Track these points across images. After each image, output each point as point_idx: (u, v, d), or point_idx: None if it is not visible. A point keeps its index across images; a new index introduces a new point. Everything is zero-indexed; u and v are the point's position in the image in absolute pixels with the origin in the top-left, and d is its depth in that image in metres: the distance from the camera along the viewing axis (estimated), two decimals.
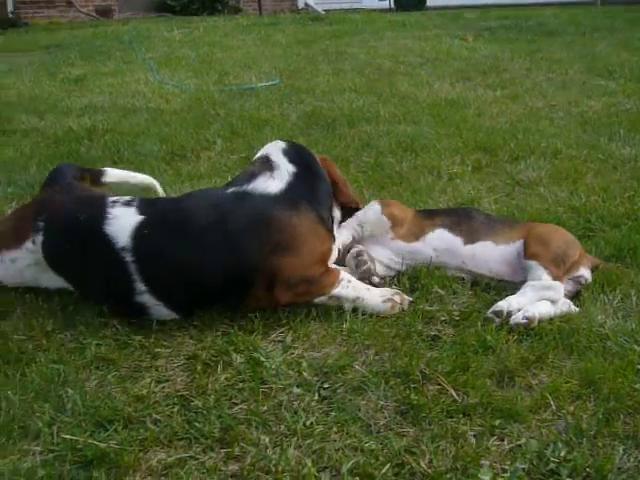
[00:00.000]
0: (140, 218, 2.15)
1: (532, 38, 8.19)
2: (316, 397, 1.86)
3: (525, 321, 2.07)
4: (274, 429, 1.75)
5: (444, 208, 2.90)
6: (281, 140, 2.47)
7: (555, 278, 2.21)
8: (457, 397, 1.82)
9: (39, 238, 2.21)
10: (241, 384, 1.94)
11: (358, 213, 2.49)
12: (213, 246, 2.11)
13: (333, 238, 2.35)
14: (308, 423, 1.76)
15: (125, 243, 2.11)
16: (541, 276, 2.20)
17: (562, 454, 1.60)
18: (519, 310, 2.11)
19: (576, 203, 3.04)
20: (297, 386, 1.91)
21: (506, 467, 1.58)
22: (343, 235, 2.45)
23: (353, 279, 2.26)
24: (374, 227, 2.46)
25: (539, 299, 2.16)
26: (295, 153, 2.35)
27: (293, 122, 4.62)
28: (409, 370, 1.94)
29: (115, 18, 12.66)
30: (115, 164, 3.81)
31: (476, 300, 2.33)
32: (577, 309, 2.19)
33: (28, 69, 6.80)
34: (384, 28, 9.36)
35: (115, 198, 2.27)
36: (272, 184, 2.22)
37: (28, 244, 2.24)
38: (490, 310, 2.15)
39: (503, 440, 1.68)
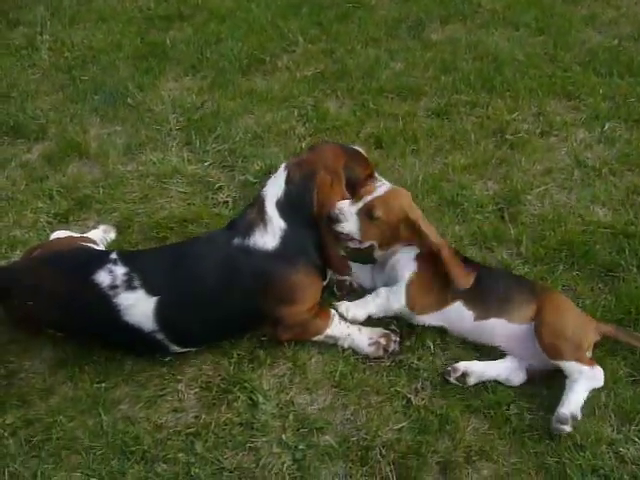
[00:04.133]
0: (155, 300, 2.41)
1: None
2: (289, 459, 2.33)
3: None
4: None
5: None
6: (284, 182, 2.57)
7: (587, 363, 2.36)
8: None
9: None
10: (237, 428, 2.41)
11: (383, 298, 2.64)
12: (230, 300, 2.46)
13: (325, 276, 2.63)
14: None
15: (153, 327, 2.43)
16: (575, 369, 2.35)
17: None
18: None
19: None
20: (278, 444, 2.37)
21: None
22: (365, 309, 2.65)
23: (344, 320, 2.59)
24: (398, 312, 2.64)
25: (589, 390, 2.35)
26: (288, 206, 2.52)
27: (383, 14, 4.50)
28: (371, 444, 2.34)
29: None
30: (194, 68, 4.01)
31: (465, 354, 2.61)
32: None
33: None
34: None
35: (110, 280, 2.44)
36: (267, 240, 2.46)
37: None
38: (555, 420, 2.32)
39: None
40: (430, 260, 2.52)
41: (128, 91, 3.94)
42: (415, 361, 2.57)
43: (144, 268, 2.49)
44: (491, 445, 2.32)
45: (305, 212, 2.52)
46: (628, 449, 2.29)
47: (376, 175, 2.70)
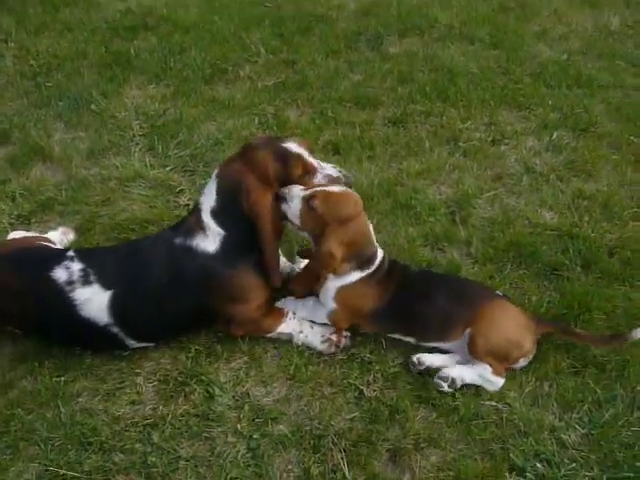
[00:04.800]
0: (109, 294, 2.49)
1: None
2: (243, 447, 2.39)
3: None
4: (205, 476, 2.32)
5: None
6: (215, 191, 2.56)
7: (497, 373, 2.50)
8: (347, 474, 2.31)
9: None
10: (193, 419, 2.47)
11: (309, 312, 2.74)
12: (178, 295, 2.54)
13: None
14: (230, 477, 2.32)
15: (108, 320, 2.51)
16: (485, 370, 2.50)
17: None
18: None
19: None
20: (233, 433, 2.43)
21: None
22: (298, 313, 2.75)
23: (298, 316, 2.69)
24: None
25: (480, 383, 2.51)
26: (222, 215, 2.54)
27: (343, 27, 4.63)
28: (324, 433, 2.41)
29: None
30: (158, 77, 4.09)
31: (415, 348, 2.69)
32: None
33: None
34: None
35: (66, 276, 2.50)
36: (207, 244, 2.51)
37: None
38: (438, 376, 2.52)
39: None
40: (351, 295, 2.57)
41: (92, 98, 4.01)
42: (367, 354, 2.66)
43: (99, 264, 2.55)
44: (439, 433, 2.41)
45: (240, 219, 2.52)
46: (569, 435, 2.40)
47: (320, 167, 2.61)
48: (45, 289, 2.50)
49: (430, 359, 2.58)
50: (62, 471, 2.31)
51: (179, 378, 2.58)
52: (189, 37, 4.59)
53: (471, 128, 3.80)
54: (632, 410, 2.47)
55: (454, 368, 2.53)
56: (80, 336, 2.59)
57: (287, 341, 2.70)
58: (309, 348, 2.68)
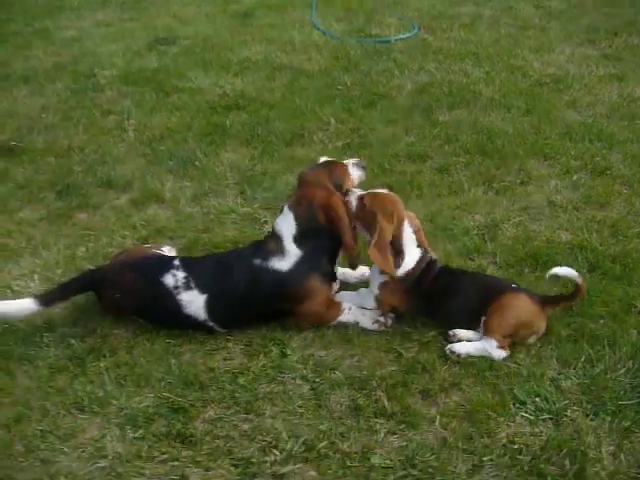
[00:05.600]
0: (205, 297, 3.28)
1: None
2: (307, 388, 3.12)
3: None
4: (278, 405, 3.06)
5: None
6: (294, 220, 3.32)
7: (501, 347, 3.17)
8: (387, 405, 3.00)
9: None
10: (270, 370, 3.24)
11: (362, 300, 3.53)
12: (256, 301, 3.35)
13: (335, 278, 3.48)
14: (297, 405, 3.05)
15: (204, 317, 3.30)
16: (491, 344, 3.18)
17: (426, 457, 2.77)
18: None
19: None
20: (300, 378, 3.19)
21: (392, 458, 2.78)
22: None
23: (353, 308, 3.43)
24: None
25: (484, 354, 3.19)
26: (303, 238, 3.29)
27: (401, 102, 5.60)
28: (369, 377, 3.13)
29: None
30: (248, 142, 5.10)
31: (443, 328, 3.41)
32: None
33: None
34: None
35: (173, 282, 3.32)
36: (282, 264, 3.26)
37: None
38: (448, 348, 3.23)
39: (398, 439, 2.89)
40: (386, 290, 3.37)
41: (196, 157, 5.03)
42: (407, 328, 3.39)
43: (197, 273, 3.40)
44: (460, 379, 3.08)
45: (317, 236, 3.28)
46: (566, 383, 3.04)
47: (348, 163, 3.54)
48: (159, 291, 3.36)
49: (464, 333, 3.28)
50: (172, 398, 3.09)
51: (260, 342, 3.36)
52: (273, 112, 5.61)
53: (504, 173, 4.59)
54: (618, 366, 3.09)
55: (464, 345, 3.22)
56: (185, 326, 3.42)
57: None
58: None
